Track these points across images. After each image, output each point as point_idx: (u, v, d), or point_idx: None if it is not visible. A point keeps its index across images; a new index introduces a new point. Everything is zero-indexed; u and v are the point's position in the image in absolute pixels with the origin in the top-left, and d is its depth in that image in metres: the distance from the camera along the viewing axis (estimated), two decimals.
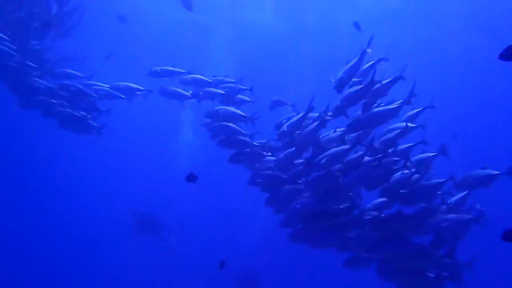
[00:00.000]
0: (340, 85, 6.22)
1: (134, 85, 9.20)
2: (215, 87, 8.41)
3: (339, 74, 6.21)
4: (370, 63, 6.21)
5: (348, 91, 6.09)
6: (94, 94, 8.93)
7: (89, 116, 9.05)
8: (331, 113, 6.40)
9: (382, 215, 6.11)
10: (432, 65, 18.29)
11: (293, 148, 6.66)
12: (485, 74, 18.26)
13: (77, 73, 9.30)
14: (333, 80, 6.20)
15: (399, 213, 5.84)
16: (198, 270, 17.68)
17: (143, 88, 9.16)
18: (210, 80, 8.50)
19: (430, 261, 5.61)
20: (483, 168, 5.90)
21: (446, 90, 16.51)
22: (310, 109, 6.55)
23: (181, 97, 8.81)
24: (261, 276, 14.24)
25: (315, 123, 6.37)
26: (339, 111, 6.19)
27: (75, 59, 10.64)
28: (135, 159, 21.52)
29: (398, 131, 6.00)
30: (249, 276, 14.09)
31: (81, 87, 8.89)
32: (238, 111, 7.64)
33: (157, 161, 21.00)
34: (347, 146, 6.01)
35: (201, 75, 8.68)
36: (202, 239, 18.50)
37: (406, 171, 5.85)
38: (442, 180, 5.81)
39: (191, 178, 6.77)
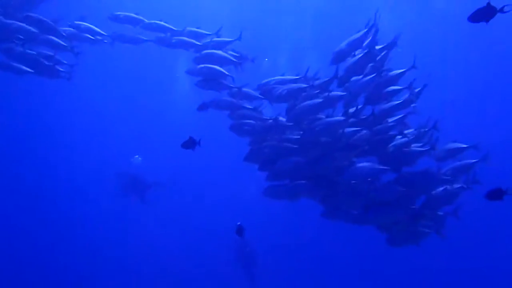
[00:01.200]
0: (337, 58, 6.17)
1: (96, 28, 8.31)
2: (183, 36, 7.94)
3: (339, 46, 6.15)
4: (363, 31, 6.07)
5: (351, 60, 6.04)
6: (63, 33, 7.87)
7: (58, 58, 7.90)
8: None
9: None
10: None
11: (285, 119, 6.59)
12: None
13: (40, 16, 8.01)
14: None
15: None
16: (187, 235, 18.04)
17: (105, 34, 8.37)
18: (174, 28, 8.12)
19: (411, 211, 5.79)
20: (454, 141, 6.08)
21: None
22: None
23: (135, 41, 8.40)
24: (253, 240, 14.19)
25: (318, 96, 6.20)
26: (343, 81, 6.14)
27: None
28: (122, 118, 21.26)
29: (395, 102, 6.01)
30: (241, 241, 13.94)
31: (50, 22, 7.77)
32: (227, 55, 7.32)
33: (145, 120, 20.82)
34: (341, 118, 6.00)
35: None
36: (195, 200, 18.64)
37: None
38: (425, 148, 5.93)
39: (189, 144, 6.25)
